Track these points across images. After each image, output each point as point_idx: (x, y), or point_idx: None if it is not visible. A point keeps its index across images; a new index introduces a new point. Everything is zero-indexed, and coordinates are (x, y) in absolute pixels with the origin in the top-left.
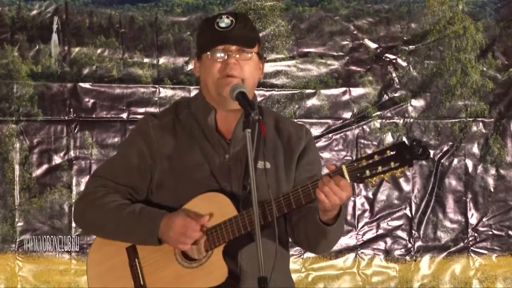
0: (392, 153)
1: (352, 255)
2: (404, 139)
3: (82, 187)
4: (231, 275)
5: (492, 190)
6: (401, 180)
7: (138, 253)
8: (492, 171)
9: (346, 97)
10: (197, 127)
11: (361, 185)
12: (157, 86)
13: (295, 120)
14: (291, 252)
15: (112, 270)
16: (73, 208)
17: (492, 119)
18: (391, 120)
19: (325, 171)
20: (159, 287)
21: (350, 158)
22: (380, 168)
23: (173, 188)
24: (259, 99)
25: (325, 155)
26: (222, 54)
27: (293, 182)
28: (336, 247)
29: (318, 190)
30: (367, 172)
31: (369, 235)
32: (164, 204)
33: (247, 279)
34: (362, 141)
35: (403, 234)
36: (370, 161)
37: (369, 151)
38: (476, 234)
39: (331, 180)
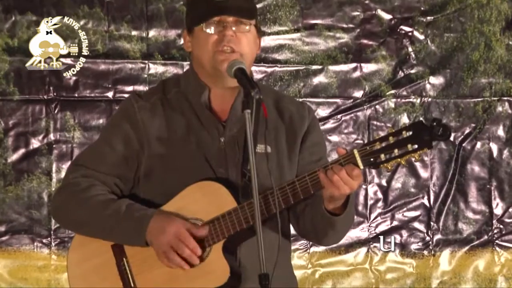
0: (408, 134)
1: (363, 250)
2: (422, 119)
3: (63, 174)
4: (233, 274)
5: None
6: (418, 167)
7: (126, 252)
8: None
9: (356, 74)
10: (188, 107)
11: (373, 172)
12: (146, 61)
13: (300, 100)
14: (295, 246)
15: (97, 270)
16: (51, 201)
17: None
18: (407, 100)
19: (333, 156)
20: None
21: (361, 141)
22: (396, 152)
23: (162, 176)
24: (260, 76)
25: (334, 138)
26: (218, 26)
27: (296, 166)
28: (346, 240)
29: (327, 181)
30: (382, 157)
31: (383, 227)
32: (153, 195)
33: (247, 277)
34: (375, 122)
35: (421, 226)
36: (385, 144)
37: (382, 134)
38: (501, 226)
39: (342, 169)
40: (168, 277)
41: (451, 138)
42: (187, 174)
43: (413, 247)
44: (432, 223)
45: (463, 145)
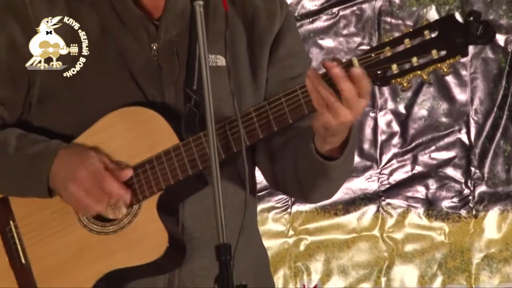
0: (433, 34)
1: (372, 209)
2: (457, 15)
3: None
4: (173, 243)
5: None
6: (453, 85)
7: (14, 212)
8: None
9: None
10: (104, 1)
11: (386, 93)
12: None
13: None
14: (270, 203)
15: None
16: None
17: None
18: None
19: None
20: (52, 266)
21: (368, 47)
22: (415, 61)
23: (67, 101)
24: None
25: (327, 42)
26: None
27: (265, 87)
28: (346, 194)
29: (319, 101)
30: (394, 68)
31: (400, 175)
32: (53, 128)
33: (195, 249)
34: (388, 19)
35: (456, 174)
36: (399, 49)
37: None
38: None
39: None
40: (77, 249)
41: (501, 43)
42: (104, 98)
43: (445, 204)
44: (473, 168)
45: None
